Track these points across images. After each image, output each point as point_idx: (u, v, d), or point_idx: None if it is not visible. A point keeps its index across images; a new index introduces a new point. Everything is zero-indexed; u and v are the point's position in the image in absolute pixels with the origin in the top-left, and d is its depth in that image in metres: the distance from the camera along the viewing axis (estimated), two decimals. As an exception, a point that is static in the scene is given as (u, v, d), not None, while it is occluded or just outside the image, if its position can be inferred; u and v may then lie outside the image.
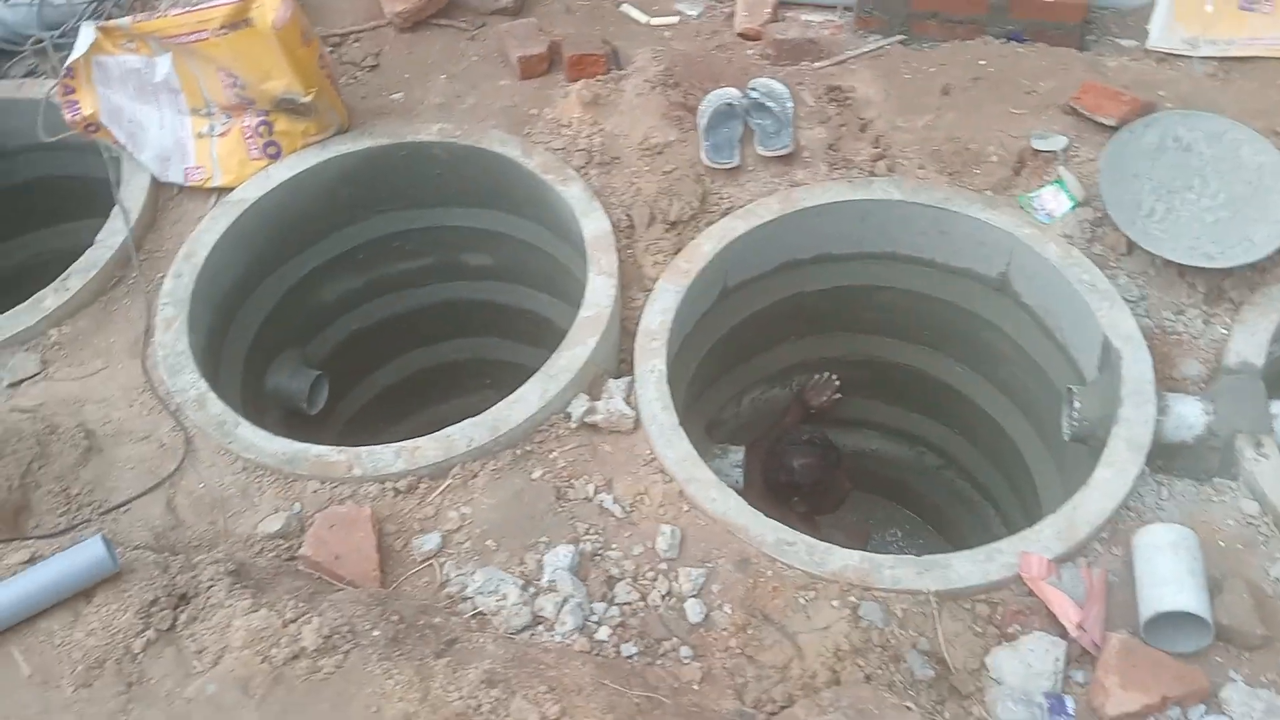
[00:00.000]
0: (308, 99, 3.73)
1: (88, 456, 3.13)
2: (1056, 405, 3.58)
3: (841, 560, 2.80)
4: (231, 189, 3.90)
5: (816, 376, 4.37)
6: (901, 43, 4.20)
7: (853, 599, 2.76)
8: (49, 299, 3.60)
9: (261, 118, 3.85)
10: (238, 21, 3.55)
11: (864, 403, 4.57)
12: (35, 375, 3.46)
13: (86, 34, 3.72)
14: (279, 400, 4.24)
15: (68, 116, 3.86)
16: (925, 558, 2.83)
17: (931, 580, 2.77)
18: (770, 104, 3.79)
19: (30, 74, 4.52)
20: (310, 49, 3.70)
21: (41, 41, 4.44)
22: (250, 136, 3.87)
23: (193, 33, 3.60)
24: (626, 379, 3.37)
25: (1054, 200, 3.57)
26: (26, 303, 3.61)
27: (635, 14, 4.44)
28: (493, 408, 3.24)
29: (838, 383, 4.36)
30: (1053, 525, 2.87)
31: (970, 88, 3.92)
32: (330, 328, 4.54)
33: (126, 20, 3.71)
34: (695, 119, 3.83)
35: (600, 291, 3.46)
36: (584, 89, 3.88)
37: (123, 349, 3.53)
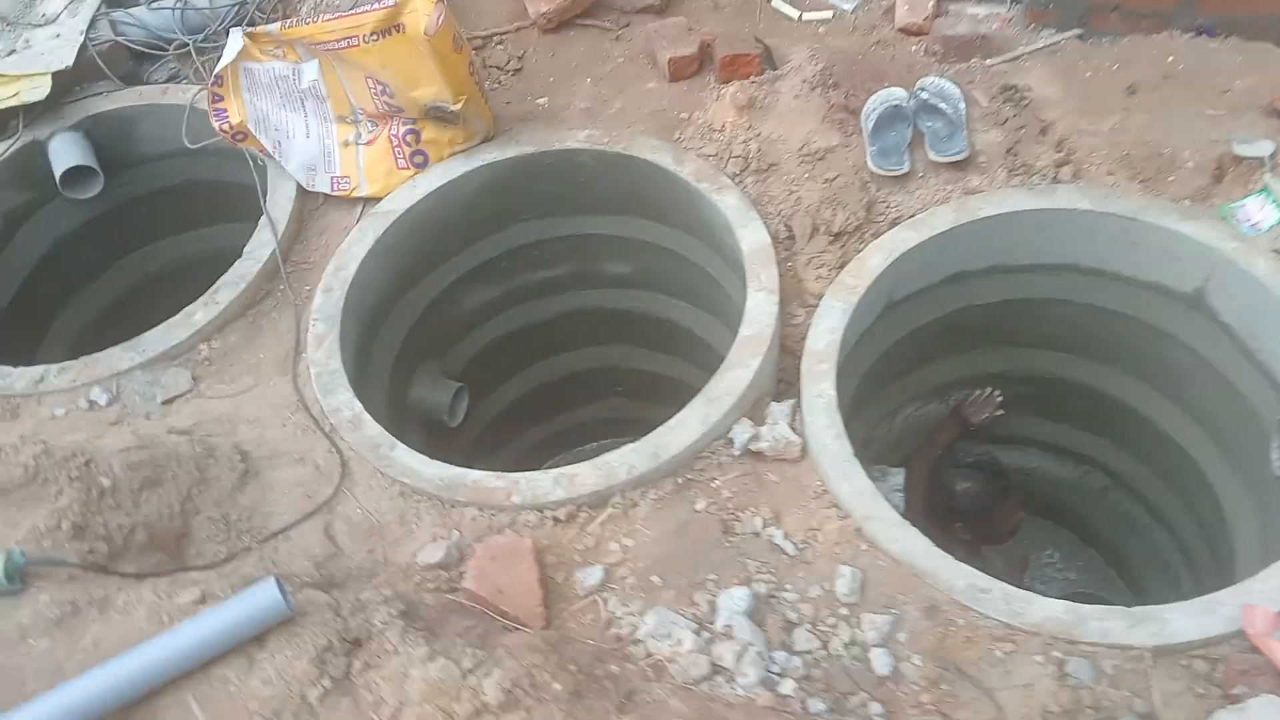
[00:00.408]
0: (457, 108, 3.61)
1: (245, 480, 3.07)
2: (1252, 433, 3.29)
3: (1043, 611, 2.58)
4: (377, 199, 3.82)
5: (977, 392, 4.10)
6: (1078, 38, 3.90)
7: (1057, 654, 2.53)
8: (199, 313, 3.57)
9: (409, 126, 3.76)
10: (389, 28, 3.45)
11: (1024, 419, 4.30)
12: (187, 392, 3.42)
13: (235, 40, 3.66)
14: (420, 413, 4.17)
15: (216, 124, 3.82)
16: (1136, 610, 2.58)
17: (1145, 635, 2.53)
18: (941, 105, 3.54)
19: (172, 78, 4.51)
20: (461, 56, 3.58)
21: (185, 45, 4.43)
22: (397, 145, 3.78)
23: (342, 39, 3.51)
24: (789, 402, 3.18)
25: (1260, 211, 3.26)
26: (177, 317, 3.57)
27: (786, 9, 4.22)
28: (652, 433, 3.08)
29: (1000, 398, 4.09)
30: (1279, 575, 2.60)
31: (1159, 86, 3.61)
32: (467, 339, 4.45)
33: (274, 26, 3.63)
34: (859, 122, 3.61)
35: (761, 309, 3.27)
36: (738, 91, 3.69)
37: (272, 365, 3.47)
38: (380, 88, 3.65)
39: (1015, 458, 4.45)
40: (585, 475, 3.01)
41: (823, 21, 4.18)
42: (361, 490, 3.09)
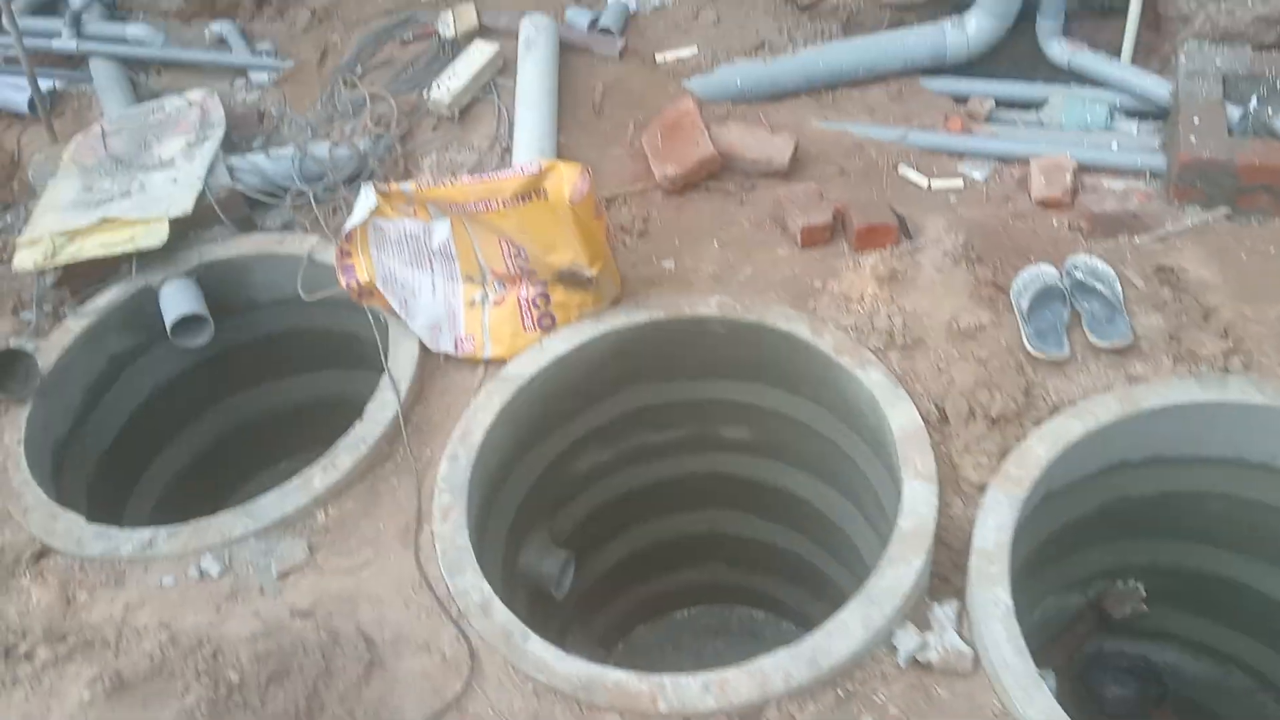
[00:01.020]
0: (593, 273, 3.52)
1: (370, 672, 2.86)
2: None
3: None
4: (501, 360, 3.70)
5: (1120, 584, 3.86)
6: (1227, 217, 3.77)
7: None
8: (317, 478, 3.42)
9: (540, 289, 3.66)
10: (529, 193, 3.38)
11: (1164, 612, 4.02)
12: (303, 564, 3.25)
13: (367, 197, 3.61)
14: (528, 581, 3.97)
15: (344, 281, 3.75)
16: None
17: None
18: (1097, 285, 3.41)
19: (286, 226, 4.48)
20: (599, 222, 3.51)
21: (302, 194, 4.40)
22: (526, 308, 3.68)
23: (480, 201, 3.44)
24: (952, 605, 2.96)
25: None
26: (294, 481, 3.43)
27: (914, 176, 4.14)
28: (808, 637, 2.86)
29: (1144, 593, 3.84)
30: None
31: (1326, 273, 3.46)
32: (574, 502, 4.28)
33: (409, 185, 3.58)
34: (1009, 299, 3.47)
35: (920, 499, 3.08)
36: (878, 263, 3.58)
37: (393, 536, 3.30)
38: (515, 250, 3.56)
39: (1148, 651, 4.17)
40: (737, 681, 2.79)
41: (953, 191, 4.10)
42: (492, 686, 2.88)
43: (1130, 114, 4.32)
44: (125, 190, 4.46)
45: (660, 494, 4.50)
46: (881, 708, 2.77)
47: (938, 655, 2.83)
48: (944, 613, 2.94)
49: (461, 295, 3.78)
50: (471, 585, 3.07)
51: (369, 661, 2.88)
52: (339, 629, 2.91)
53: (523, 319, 3.71)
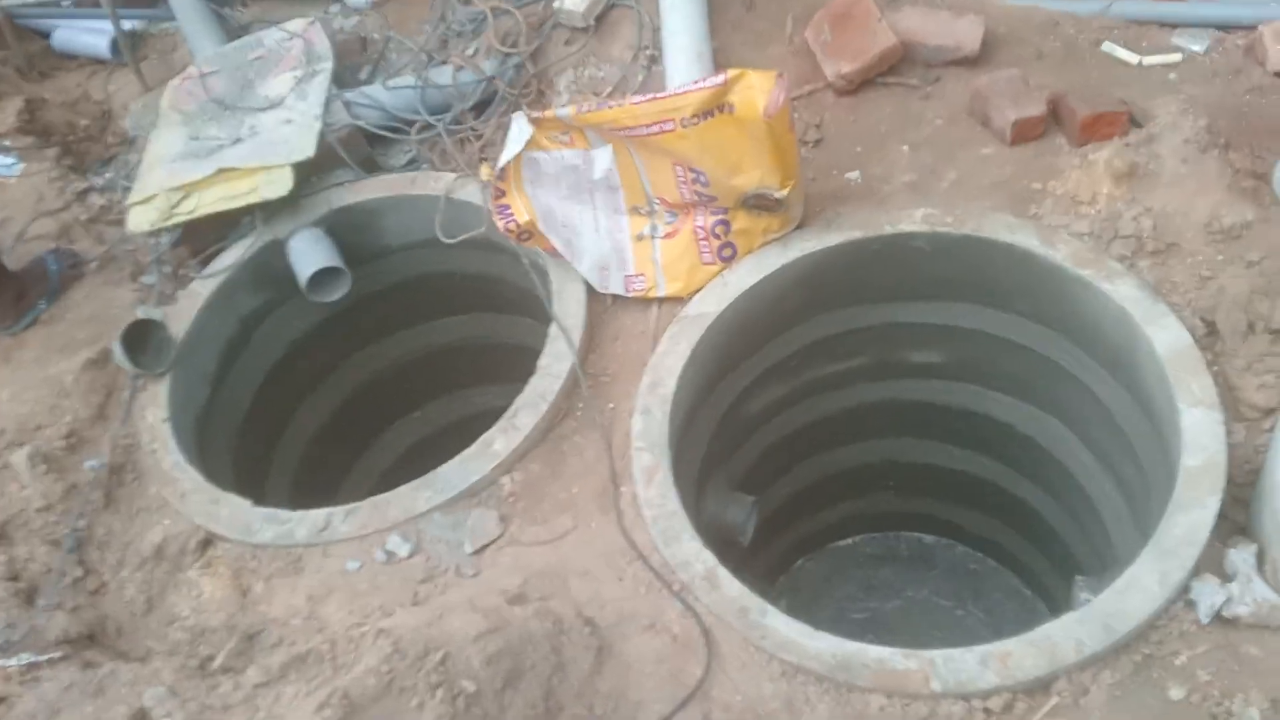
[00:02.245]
0: (784, 194, 3.10)
1: (601, 660, 2.58)
2: None
3: None
4: (678, 298, 3.32)
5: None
6: None
7: None
8: (498, 441, 3.11)
9: (720, 216, 3.26)
10: (713, 108, 2.96)
11: None
12: (498, 538, 2.96)
13: (521, 127, 3.21)
14: (714, 532, 3.64)
15: (500, 224, 3.38)
16: None
17: None
18: (1382, 168, 2.90)
19: (411, 162, 4.10)
20: (792, 136, 3.07)
21: (431, 127, 4.01)
22: (704, 238, 3.29)
23: (654, 123, 3.03)
24: (1249, 548, 2.57)
25: None
26: (473, 448, 3.13)
27: (1122, 53, 3.62)
28: (1098, 598, 2.50)
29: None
30: None
31: None
32: (749, 442, 3.94)
33: (566, 110, 3.16)
34: (1272, 190, 2.99)
35: (1204, 430, 2.68)
36: (1114, 157, 3.11)
37: (589, 501, 2.99)
38: (693, 175, 3.15)
39: None
40: (1020, 654, 2.45)
41: (1169, 66, 3.58)
42: (734, 668, 2.57)
43: (1368, -39, 3.73)
44: (235, 136, 4.10)
45: (834, 426, 4.16)
46: (1188, 672, 2.42)
47: (1247, 608, 2.45)
48: (1242, 558, 2.56)
49: (628, 229, 3.39)
50: (693, 554, 2.75)
51: (598, 649, 2.59)
52: (562, 616, 2.62)
53: (700, 251, 3.32)
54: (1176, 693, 2.38)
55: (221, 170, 3.88)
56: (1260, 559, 2.56)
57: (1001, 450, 4.01)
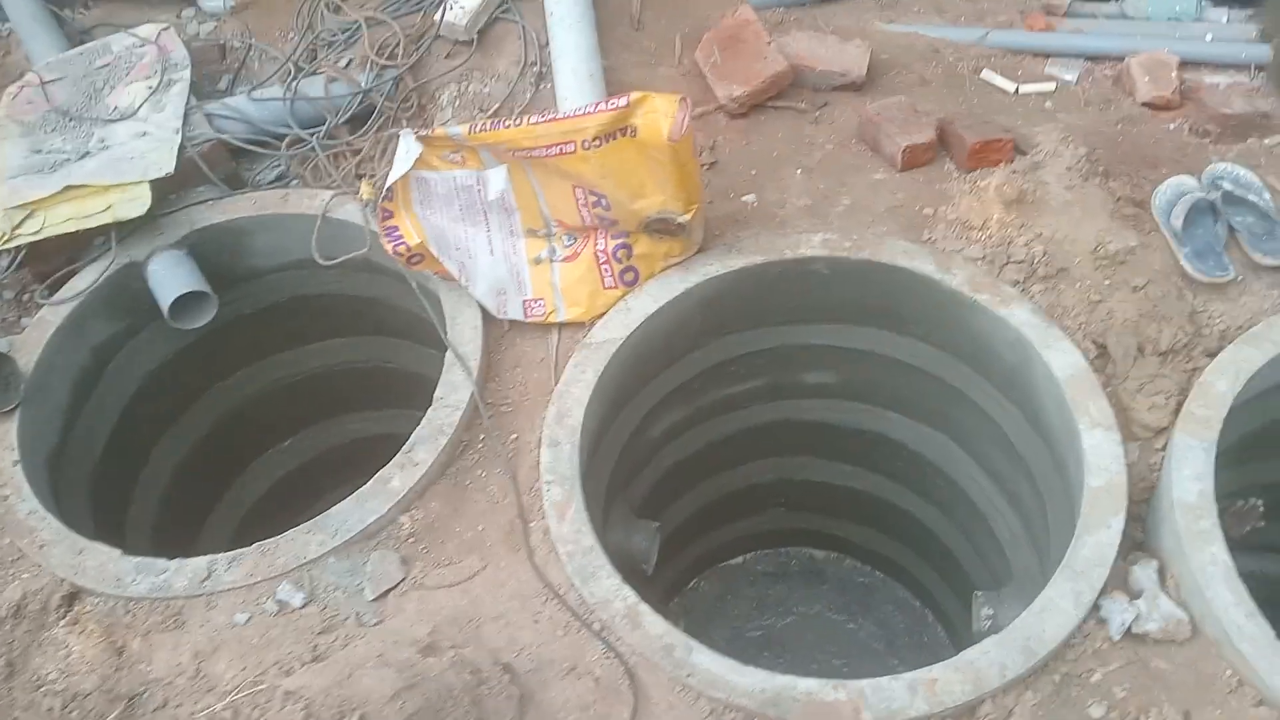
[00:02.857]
0: (686, 218, 3.05)
1: (523, 710, 2.45)
2: None
3: None
4: (578, 323, 3.23)
5: (1240, 503, 3.63)
6: (1350, 108, 3.48)
7: None
8: (396, 478, 2.93)
9: (621, 240, 3.18)
10: (614, 131, 2.87)
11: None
12: (400, 583, 2.78)
13: (409, 146, 3.05)
14: (618, 561, 3.54)
15: (389, 247, 3.20)
16: None
17: None
18: (1248, 196, 3.09)
19: (280, 178, 3.87)
20: (695, 161, 3.02)
21: (303, 141, 3.78)
22: (605, 262, 3.20)
23: (554, 145, 2.92)
24: (1151, 564, 2.67)
25: None
26: (368, 485, 2.94)
27: (999, 81, 3.75)
28: (1015, 621, 2.54)
29: (1262, 508, 3.62)
30: None
31: None
32: (648, 466, 3.87)
33: (459, 129, 3.02)
34: (1152, 216, 3.13)
35: (1105, 452, 2.76)
36: (1004, 184, 3.19)
37: (497, 539, 2.86)
38: (594, 199, 3.07)
39: (1261, 565, 3.99)
40: (947, 680, 2.47)
41: (1045, 95, 3.72)
42: (662, 709, 2.50)
43: (1217, 2, 3.98)
44: (83, 149, 3.77)
45: (730, 447, 4.14)
46: (1104, 689, 2.48)
47: (1155, 624, 2.54)
48: (1145, 575, 2.65)
49: (525, 252, 3.28)
50: (612, 592, 2.66)
51: (519, 698, 2.46)
52: (476, 663, 2.47)
53: (602, 275, 3.23)
54: (1096, 710, 2.43)
55: (69, 187, 3.55)
56: (1162, 574, 2.66)
57: (892, 468, 4.08)
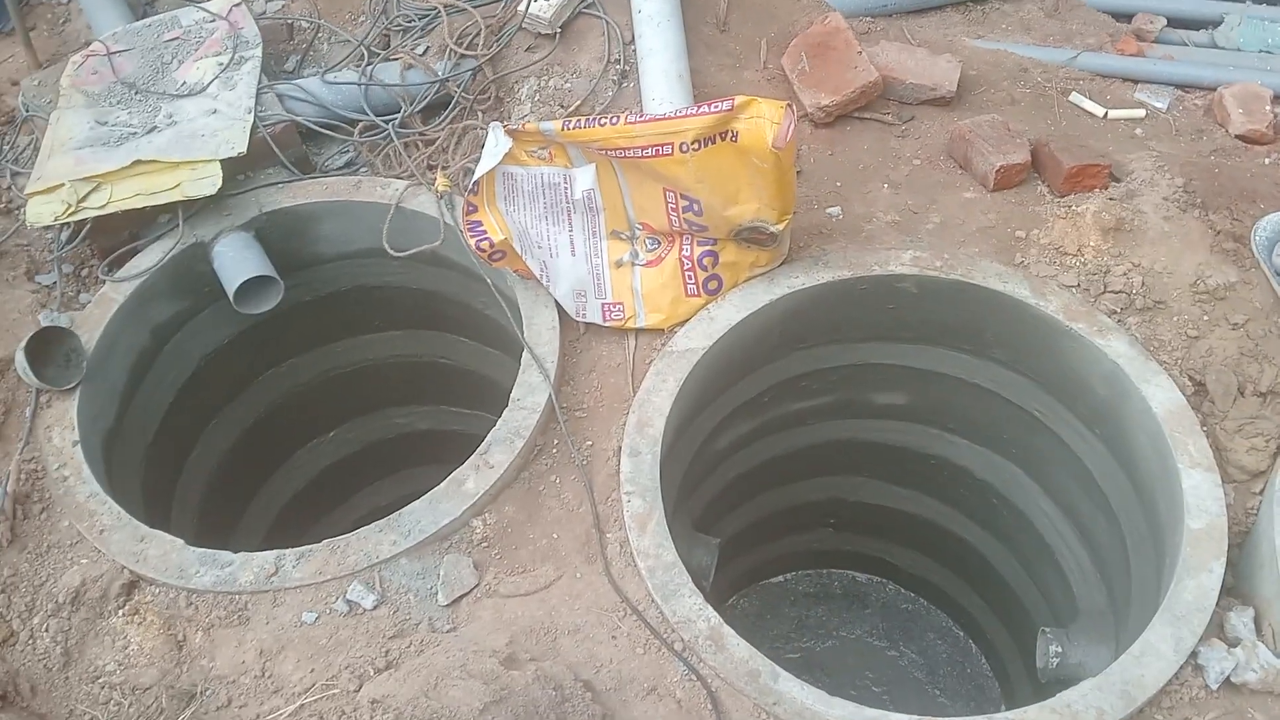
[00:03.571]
0: (779, 228, 2.97)
1: (607, 730, 2.36)
2: None
3: None
4: (657, 330, 3.15)
5: None
6: None
7: None
8: (470, 480, 2.86)
9: (708, 246, 3.10)
10: (715, 135, 2.80)
11: None
12: (474, 589, 2.70)
13: (498, 139, 2.97)
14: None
15: (472, 242, 3.12)
16: None
17: None
18: (1352, 238, 3.01)
19: (349, 164, 3.79)
20: (794, 171, 2.94)
21: (376, 128, 3.71)
22: (689, 269, 3.13)
23: (650, 146, 2.84)
24: (1247, 612, 2.59)
25: None
26: (442, 486, 2.86)
27: (1088, 105, 3.67)
28: (1114, 664, 2.46)
29: None
30: None
31: None
32: (710, 477, 3.79)
33: (550, 125, 2.95)
34: (1251, 252, 3.05)
35: (1205, 493, 2.69)
36: (1102, 211, 3.11)
37: (573, 549, 2.78)
38: (686, 203, 2.99)
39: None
40: (1042, 721, 2.37)
41: (1134, 121, 3.64)
42: (746, 738, 2.41)
43: (1311, 34, 3.91)
44: (150, 124, 3.69)
45: (791, 463, 4.07)
46: (1201, 741, 2.40)
47: (1255, 675, 2.46)
48: (1241, 622, 2.57)
49: (606, 255, 3.20)
50: (694, 611, 2.58)
51: (602, 717, 2.38)
52: (561, 680, 2.40)
53: (685, 282, 3.15)
54: (1195, 762, 2.36)
55: (138, 162, 3.47)
56: (1258, 623, 2.58)
57: (953, 494, 4.01)
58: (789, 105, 2.78)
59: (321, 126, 3.76)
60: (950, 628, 4.63)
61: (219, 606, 2.69)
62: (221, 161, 3.50)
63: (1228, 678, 2.47)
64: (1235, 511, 2.76)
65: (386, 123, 3.70)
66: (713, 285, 3.15)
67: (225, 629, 2.66)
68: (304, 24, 4.24)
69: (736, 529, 4.25)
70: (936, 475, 3.97)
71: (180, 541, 2.80)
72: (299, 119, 3.72)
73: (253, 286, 3.47)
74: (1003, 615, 4.24)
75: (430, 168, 3.62)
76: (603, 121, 2.91)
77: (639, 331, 3.20)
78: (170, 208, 3.49)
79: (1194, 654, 2.50)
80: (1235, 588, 2.71)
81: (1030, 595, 3.92)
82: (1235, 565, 2.73)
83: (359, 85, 3.78)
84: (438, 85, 3.75)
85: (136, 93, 3.82)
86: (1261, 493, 2.77)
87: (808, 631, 4.67)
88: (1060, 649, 3.08)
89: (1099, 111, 3.64)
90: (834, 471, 4.18)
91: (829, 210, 3.39)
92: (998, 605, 4.24)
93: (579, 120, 2.95)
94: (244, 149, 3.53)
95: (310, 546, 2.76)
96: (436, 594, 2.69)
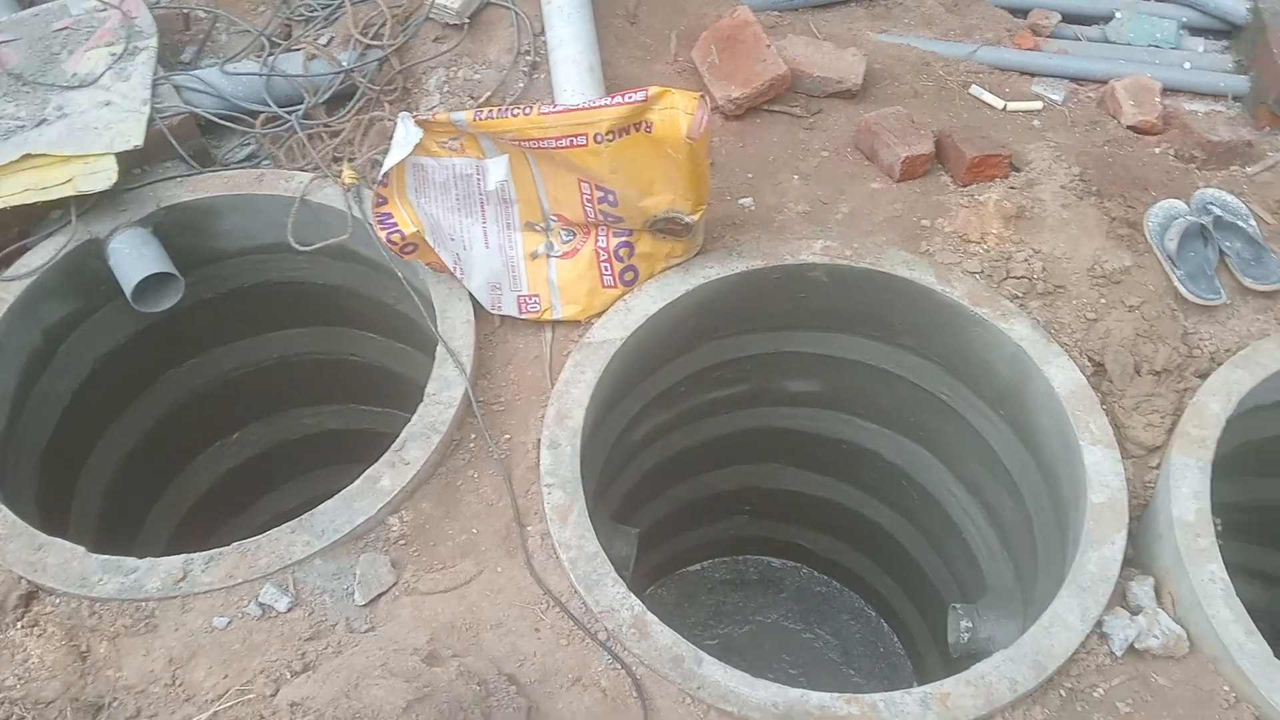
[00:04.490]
0: (694, 218, 2.99)
1: (533, 723, 2.35)
2: None
3: None
4: (573, 322, 3.15)
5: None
6: (1324, 141, 3.60)
7: None
8: (385, 478, 2.81)
9: (624, 238, 3.11)
10: (629, 125, 2.80)
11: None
12: (392, 587, 2.66)
13: (408, 130, 2.93)
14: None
15: (383, 235, 3.07)
16: None
17: None
18: (1237, 222, 3.16)
19: (250, 157, 3.69)
20: (708, 161, 2.96)
21: (279, 119, 3.61)
22: (605, 260, 3.13)
23: (565, 136, 2.83)
24: (1147, 581, 2.71)
25: None
26: (356, 484, 2.80)
27: (988, 97, 3.77)
28: (1025, 635, 2.54)
29: (1220, 526, 3.72)
30: None
31: None
32: (627, 470, 3.79)
33: (462, 115, 2.91)
34: (1144, 238, 3.18)
35: (1106, 468, 2.79)
36: (1004, 199, 3.21)
37: (494, 544, 2.76)
38: (601, 194, 2.98)
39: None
40: (959, 695, 2.45)
41: (1031, 113, 3.76)
42: (672, 724, 2.42)
43: (1194, 31, 4.08)
44: (39, 116, 3.54)
45: (706, 453, 4.09)
46: (1108, 704, 2.50)
47: (1157, 640, 2.57)
48: (1143, 591, 2.68)
49: (521, 246, 3.17)
50: (618, 601, 2.59)
51: (528, 710, 2.36)
52: (484, 674, 2.37)
53: (601, 273, 3.15)
54: (1103, 727, 2.45)
55: (29, 155, 3.33)
56: (1159, 591, 2.69)
57: (864, 478, 4.09)
58: (702, 96, 2.80)
59: (221, 118, 3.65)
60: (863, 608, 4.73)
61: (124, 615, 2.59)
62: (116, 155, 3.37)
63: (1131, 644, 2.57)
64: (1134, 485, 2.88)
65: (290, 114, 3.60)
66: (629, 276, 3.16)
67: (132, 638, 2.57)
68: (201, 13, 4.11)
69: (654, 519, 4.26)
70: (848, 460, 4.05)
71: (81, 549, 2.69)
72: (198, 111, 3.60)
73: (151, 284, 3.35)
74: (913, 594, 4.34)
75: (336, 160, 3.55)
76: (515, 112, 2.88)
77: (556, 323, 3.18)
78: (63, 203, 3.35)
79: (1099, 623, 2.59)
80: (1136, 558, 2.83)
81: (940, 574, 4.02)
82: (1135, 537, 2.84)
83: (260, 76, 3.67)
84: (343, 76, 3.67)
85: (24, 84, 3.66)
86: (1158, 467, 2.89)
87: (725, 618, 4.72)
88: (970, 624, 3.17)
89: (998, 104, 3.75)
90: (748, 459, 4.22)
91: (741, 201, 3.42)
92: (908, 585, 4.35)
93: (491, 111, 2.92)
94: (140, 142, 3.40)
95: (220, 550, 2.68)
96: (353, 594, 2.64)
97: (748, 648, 4.65)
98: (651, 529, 4.33)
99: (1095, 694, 2.52)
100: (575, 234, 3.15)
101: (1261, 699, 2.43)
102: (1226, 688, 2.52)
